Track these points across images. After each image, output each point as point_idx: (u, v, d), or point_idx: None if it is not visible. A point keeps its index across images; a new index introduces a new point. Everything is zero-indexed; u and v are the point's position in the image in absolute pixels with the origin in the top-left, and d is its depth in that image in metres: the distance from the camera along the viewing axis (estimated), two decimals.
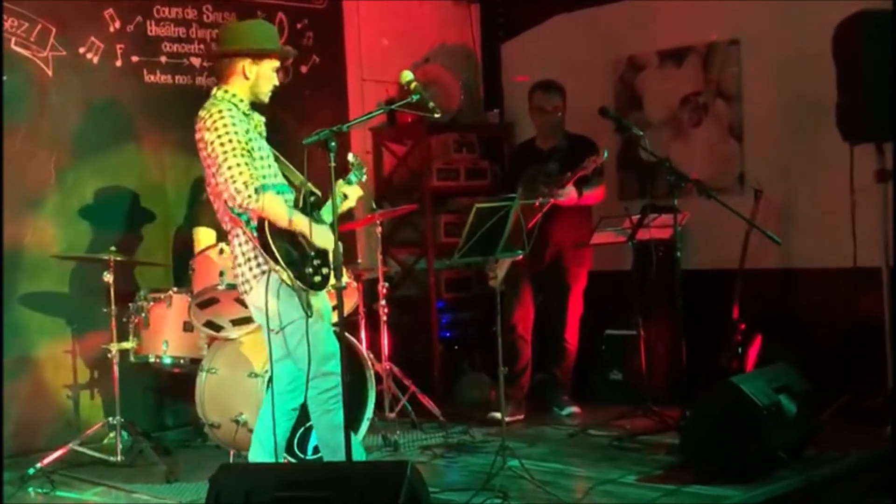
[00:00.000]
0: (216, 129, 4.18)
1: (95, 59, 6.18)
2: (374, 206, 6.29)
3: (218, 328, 5.40)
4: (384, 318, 6.16)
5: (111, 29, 6.23)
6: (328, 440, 4.37)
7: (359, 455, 4.36)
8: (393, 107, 4.63)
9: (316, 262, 4.25)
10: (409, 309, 7.24)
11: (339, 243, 4.06)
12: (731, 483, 4.62)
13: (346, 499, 3.47)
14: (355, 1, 7.33)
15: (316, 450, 5.02)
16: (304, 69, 7.02)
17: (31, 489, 5.17)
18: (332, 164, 3.99)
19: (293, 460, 5.02)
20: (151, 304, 5.56)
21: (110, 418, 5.50)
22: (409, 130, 7.38)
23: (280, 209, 4.19)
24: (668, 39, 6.98)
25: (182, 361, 5.57)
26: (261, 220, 4.17)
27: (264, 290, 4.23)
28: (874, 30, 5.39)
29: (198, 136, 4.27)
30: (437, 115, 4.28)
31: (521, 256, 5.29)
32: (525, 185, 5.94)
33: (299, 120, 6.53)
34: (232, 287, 4.94)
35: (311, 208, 4.29)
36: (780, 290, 6.41)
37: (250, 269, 4.31)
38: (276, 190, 4.25)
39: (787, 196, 6.40)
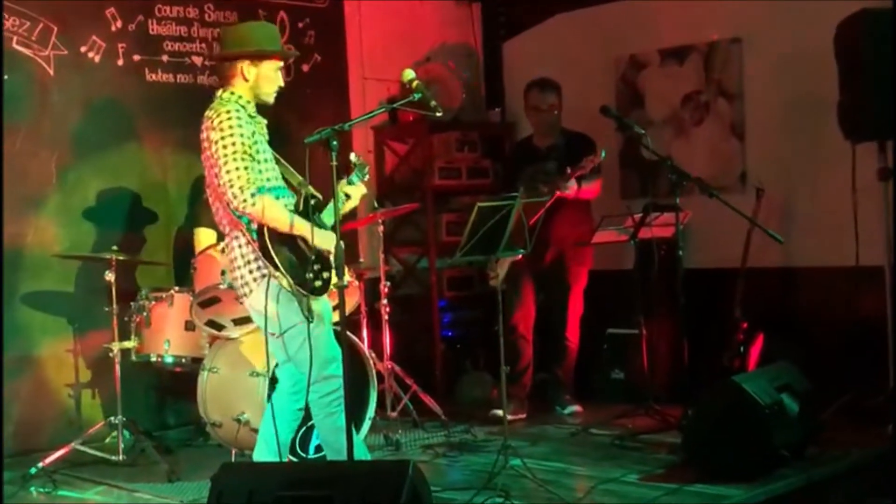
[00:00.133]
0: (221, 130, 4.16)
1: (97, 58, 6.18)
2: (375, 204, 6.29)
3: (219, 327, 5.39)
4: (386, 317, 6.17)
5: (113, 28, 6.23)
6: (332, 442, 4.35)
7: (362, 456, 4.36)
8: (395, 105, 4.62)
9: (316, 266, 4.20)
10: (411, 308, 7.24)
11: (341, 242, 4.05)
12: (733, 482, 4.61)
13: (348, 498, 3.47)
14: (357, 0, 7.34)
15: (318, 449, 5.03)
16: (305, 68, 7.02)
17: (32, 488, 5.17)
18: (334, 163, 3.98)
19: (295, 459, 5.02)
20: (153, 303, 5.56)
21: (112, 417, 5.49)
22: (411, 129, 7.38)
23: (280, 214, 4.17)
24: (670, 38, 6.98)
25: (184, 360, 5.57)
26: (260, 225, 4.15)
27: (264, 294, 4.20)
28: (876, 28, 5.38)
29: (203, 135, 4.26)
30: (438, 114, 4.27)
31: (520, 256, 5.29)
32: (524, 185, 5.93)
33: (301, 119, 6.52)
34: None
35: (312, 211, 4.27)
36: (782, 288, 6.41)
37: (250, 271, 4.27)
38: (277, 194, 4.23)
39: (788, 195, 6.40)
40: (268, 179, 4.23)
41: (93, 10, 6.16)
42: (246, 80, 4.34)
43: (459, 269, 7.32)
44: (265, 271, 4.22)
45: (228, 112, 4.20)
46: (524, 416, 6.27)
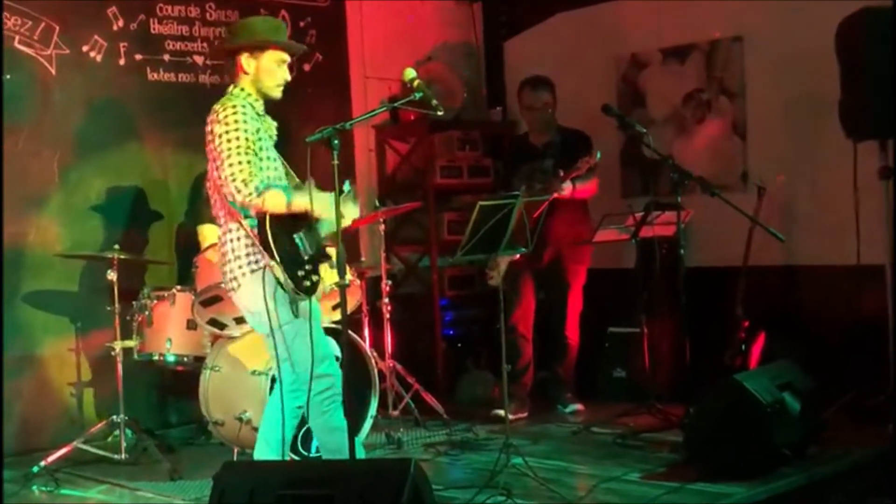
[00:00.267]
0: (226, 124, 4.15)
1: (99, 58, 6.18)
2: (377, 203, 6.29)
3: (221, 326, 5.40)
4: (387, 315, 6.18)
5: (114, 27, 6.23)
6: (326, 442, 4.33)
7: (359, 456, 4.34)
8: (396, 104, 4.61)
9: (307, 267, 4.19)
10: (413, 307, 7.25)
11: (342, 242, 4.04)
12: (735, 480, 4.62)
13: (349, 496, 3.47)
14: None
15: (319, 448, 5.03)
16: (306, 67, 7.02)
17: (35, 487, 5.18)
18: (336, 162, 3.98)
19: (296, 458, 5.02)
20: (155, 301, 5.57)
21: (114, 416, 5.50)
22: (413, 128, 7.38)
23: (279, 198, 4.12)
24: (671, 37, 6.98)
25: (185, 359, 5.57)
26: (261, 216, 4.13)
27: (251, 289, 4.19)
28: (877, 27, 5.38)
29: (207, 127, 4.24)
30: (440, 113, 4.27)
31: (518, 256, 5.29)
32: (521, 183, 5.93)
33: (302, 118, 6.51)
34: None
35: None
36: (784, 287, 6.41)
37: (239, 266, 4.24)
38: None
39: (790, 193, 6.40)
40: (268, 177, 4.22)
41: (94, 10, 6.17)
42: (246, 72, 4.32)
43: (461, 267, 7.32)
44: (255, 266, 4.20)
45: (234, 107, 4.19)
46: (525, 414, 6.28)
